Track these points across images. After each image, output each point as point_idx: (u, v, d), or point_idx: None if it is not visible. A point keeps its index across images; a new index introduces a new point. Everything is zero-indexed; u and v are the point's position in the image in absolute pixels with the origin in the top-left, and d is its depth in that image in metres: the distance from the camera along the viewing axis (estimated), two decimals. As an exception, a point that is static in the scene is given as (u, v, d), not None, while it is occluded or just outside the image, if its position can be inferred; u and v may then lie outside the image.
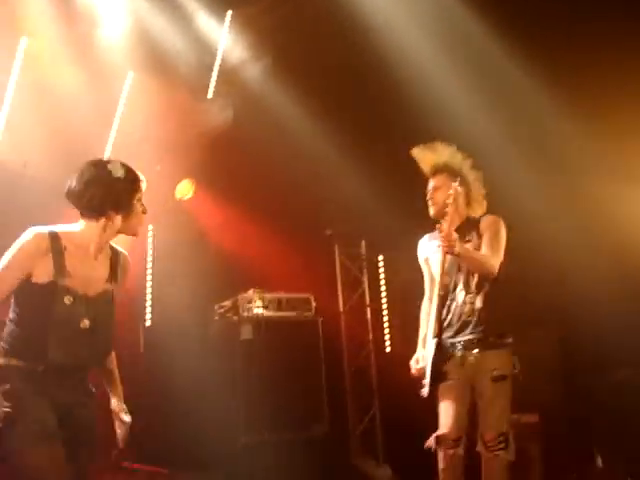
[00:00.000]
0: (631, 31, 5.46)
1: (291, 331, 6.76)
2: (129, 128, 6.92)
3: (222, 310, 6.85)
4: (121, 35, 6.49)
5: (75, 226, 3.19)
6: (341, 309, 7.62)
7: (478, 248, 4.48)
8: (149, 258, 7.29)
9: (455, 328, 4.45)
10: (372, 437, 7.32)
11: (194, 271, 6.89)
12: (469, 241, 4.52)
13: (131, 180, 3.19)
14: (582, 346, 5.96)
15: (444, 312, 4.49)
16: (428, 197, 4.62)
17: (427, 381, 4.39)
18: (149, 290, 7.22)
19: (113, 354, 3.42)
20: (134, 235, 3.31)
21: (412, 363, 4.60)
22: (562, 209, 5.98)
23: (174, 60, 6.77)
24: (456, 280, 4.50)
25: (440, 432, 4.42)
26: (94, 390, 3.28)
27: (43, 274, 3.06)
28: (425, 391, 4.41)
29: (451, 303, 4.50)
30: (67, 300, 3.08)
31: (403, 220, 5.97)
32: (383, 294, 7.69)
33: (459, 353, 4.41)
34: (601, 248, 5.81)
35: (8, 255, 3.09)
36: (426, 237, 4.75)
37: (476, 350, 4.39)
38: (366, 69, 6.43)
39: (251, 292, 6.74)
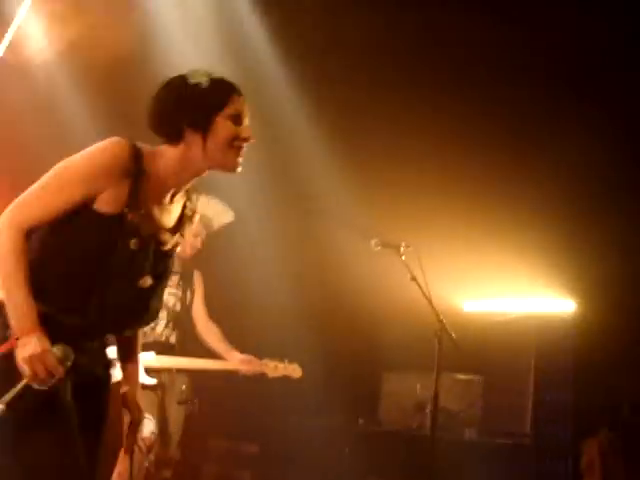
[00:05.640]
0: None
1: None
2: None
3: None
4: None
5: (157, 152, 2.41)
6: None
7: (190, 303, 4.98)
8: None
9: None
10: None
11: None
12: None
13: (216, 89, 2.38)
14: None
15: None
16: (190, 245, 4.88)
17: None
18: None
19: None
20: (225, 169, 2.43)
21: None
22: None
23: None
24: None
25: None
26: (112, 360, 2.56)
27: (111, 201, 2.28)
28: None
29: None
30: (134, 244, 2.31)
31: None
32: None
33: None
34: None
35: (71, 167, 2.30)
36: None
37: None
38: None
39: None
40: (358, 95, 5.94)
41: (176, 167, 2.39)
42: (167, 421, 4.83)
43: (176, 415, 4.89)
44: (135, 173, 2.32)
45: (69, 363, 2.20)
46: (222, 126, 2.37)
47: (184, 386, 4.93)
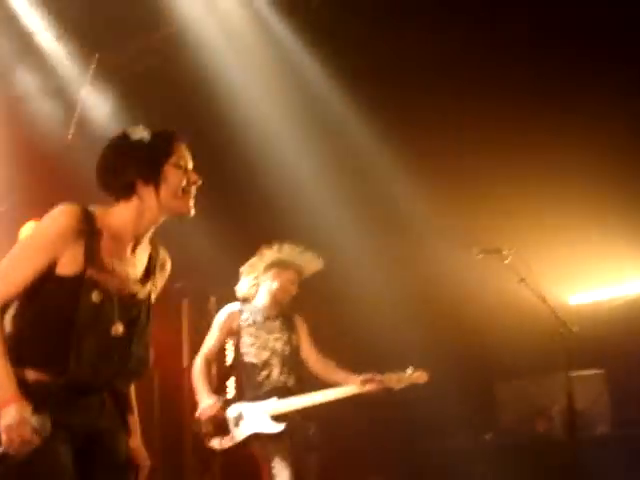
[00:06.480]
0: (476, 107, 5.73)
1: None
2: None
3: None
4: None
5: (111, 210, 2.55)
6: (184, 365, 7.45)
7: (297, 344, 4.89)
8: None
9: None
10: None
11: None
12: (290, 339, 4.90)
13: (159, 140, 2.54)
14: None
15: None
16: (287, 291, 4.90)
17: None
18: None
19: None
20: (181, 214, 2.57)
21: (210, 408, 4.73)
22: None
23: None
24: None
25: None
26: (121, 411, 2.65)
27: (70, 263, 2.41)
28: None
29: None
30: (95, 297, 2.42)
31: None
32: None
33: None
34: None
35: (29, 239, 2.46)
36: (238, 305, 4.99)
37: None
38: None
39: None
40: (442, 107, 5.86)
41: (132, 221, 2.53)
42: (302, 468, 4.72)
43: (309, 461, 4.78)
44: (88, 233, 2.44)
45: (47, 432, 2.30)
46: (171, 174, 2.53)
47: (312, 431, 4.83)
